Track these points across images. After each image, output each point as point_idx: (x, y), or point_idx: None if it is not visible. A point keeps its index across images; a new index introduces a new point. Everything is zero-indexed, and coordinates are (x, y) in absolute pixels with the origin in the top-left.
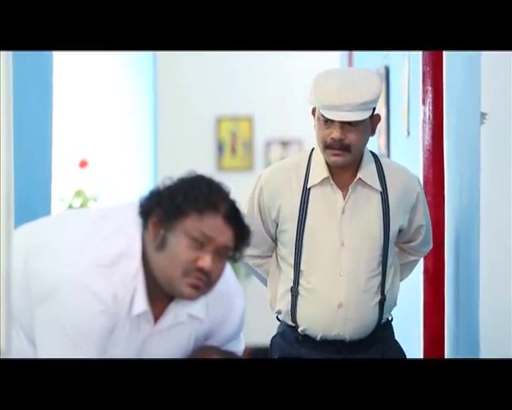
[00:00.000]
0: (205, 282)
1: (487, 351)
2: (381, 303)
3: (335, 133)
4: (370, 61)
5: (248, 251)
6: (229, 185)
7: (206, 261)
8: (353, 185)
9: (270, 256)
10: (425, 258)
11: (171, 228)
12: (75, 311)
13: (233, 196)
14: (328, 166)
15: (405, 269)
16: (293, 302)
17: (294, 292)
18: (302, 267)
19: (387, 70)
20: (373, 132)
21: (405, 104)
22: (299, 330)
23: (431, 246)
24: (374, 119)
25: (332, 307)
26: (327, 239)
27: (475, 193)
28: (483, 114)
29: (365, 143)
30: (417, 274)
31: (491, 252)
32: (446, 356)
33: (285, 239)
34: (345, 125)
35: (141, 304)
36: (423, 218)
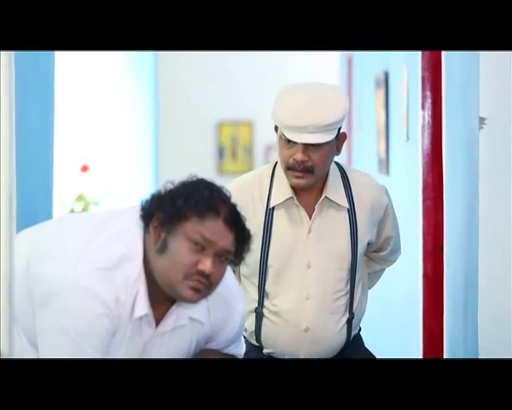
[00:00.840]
0: (205, 285)
1: (486, 355)
2: (350, 322)
3: (298, 155)
4: (370, 61)
5: None
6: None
7: (206, 265)
8: (319, 204)
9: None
10: (424, 262)
11: (172, 231)
12: (77, 314)
13: (233, 200)
14: None
15: (373, 277)
16: (258, 324)
17: (259, 313)
18: (267, 289)
19: (387, 75)
20: (338, 152)
21: (404, 109)
22: (264, 351)
23: (399, 254)
24: (340, 137)
25: (298, 331)
26: (292, 261)
27: (474, 197)
28: (482, 119)
29: (330, 164)
30: (416, 278)
31: (490, 256)
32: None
33: (248, 260)
34: (308, 146)
35: (142, 307)
36: (392, 229)
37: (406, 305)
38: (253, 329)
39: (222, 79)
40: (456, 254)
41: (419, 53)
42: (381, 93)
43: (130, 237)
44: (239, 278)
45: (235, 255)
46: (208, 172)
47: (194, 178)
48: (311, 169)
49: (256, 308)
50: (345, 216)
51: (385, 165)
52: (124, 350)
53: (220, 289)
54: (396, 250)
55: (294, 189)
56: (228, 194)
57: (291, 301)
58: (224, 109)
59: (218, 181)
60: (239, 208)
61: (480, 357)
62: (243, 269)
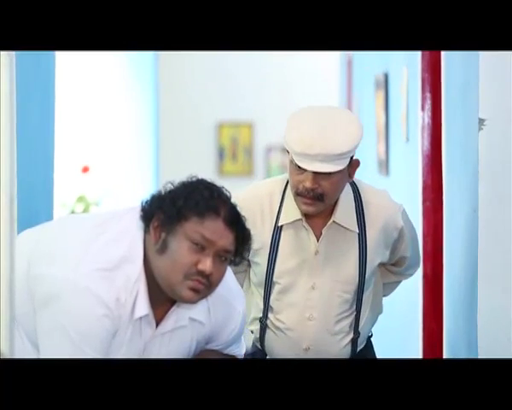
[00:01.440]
0: (205, 285)
1: (485, 355)
2: (354, 341)
3: (308, 183)
4: (370, 62)
5: None
6: (230, 191)
7: (206, 264)
8: (327, 228)
9: (244, 271)
10: (424, 263)
11: (172, 232)
12: (78, 314)
13: (233, 200)
14: None
15: (389, 288)
16: (262, 332)
17: (263, 324)
18: (271, 303)
19: (387, 76)
20: (351, 178)
21: (404, 110)
22: (268, 357)
23: (417, 269)
24: (352, 164)
25: (299, 349)
26: (298, 281)
27: (474, 198)
28: (481, 120)
29: (341, 191)
30: (416, 279)
31: (490, 257)
32: None
33: (256, 270)
34: (319, 174)
35: (143, 307)
36: (407, 250)
37: (406, 305)
38: (258, 335)
39: (222, 79)
40: (455, 254)
41: (419, 54)
42: (381, 94)
43: (131, 237)
44: (248, 284)
45: (236, 255)
46: (208, 173)
47: (194, 179)
48: (321, 197)
49: (261, 318)
50: (354, 240)
51: (385, 166)
52: (124, 351)
53: (221, 290)
54: (412, 266)
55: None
56: (228, 194)
57: (293, 320)
58: (225, 110)
59: (219, 182)
60: (239, 209)
61: (479, 357)
62: (253, 277)
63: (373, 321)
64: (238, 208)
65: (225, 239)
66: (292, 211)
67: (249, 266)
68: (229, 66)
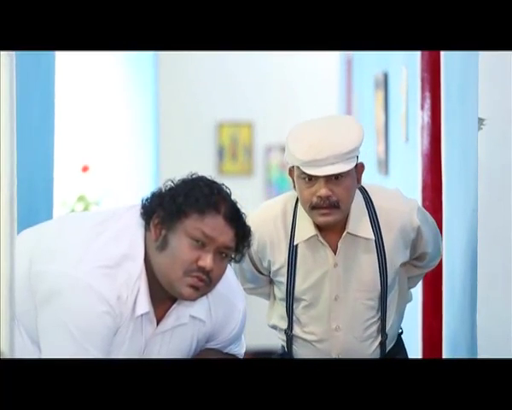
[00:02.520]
0: (205, 282)
1: (485, 354)
2: (383, 343)
3: (321, 191)
4: (369, 62)
5: (244, 285)
6: (230, 190)
7: (207, 261)
8: (343, 240)
9: (267, 285)
10: None
11: (172, 229)
12: (79, 312)
13: (233, 197)
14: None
15: (412, 281)
16: (289, 344)
17: (289, 335)
18: (297, 317)
19: (386, 76)
20: (358, 183)
21: (404, 110)
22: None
23: (438, 260)
24: (358, 168)
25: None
26: (320, 295)
27: (473, 198)
28: (481, 120)
29: (353, 196)
30: None
31: (490, 256)
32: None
33: (278, 287)
34: (330, 180)
35: (144, 305)
36: (428, 246)
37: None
38: (285, 345)
39: (222, 79)
40: (455, 254)
41: (418, 54)
42: (381, 94)
43: (132, 235)
44: (273, 292)
45: (236, 252)
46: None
47: (195, 176)
48: (337, 204)
49: (286, 330)
50: (371, 247)
51: (384, 165)
52: (125, 348)
53: (221, 288)
54: (435, 258)
55: (318, 225)
56: (228, 191)
57: (320, 332)
58: (224, 110)
59: (218, 181)
60: (239, 205)
61: (478, 357)
62: (277, 292)
63: (400, 319)
64: (238, 205)
65: (225, 236)
66: (306, 228)
67: (271, 283)
68: (229, 65)
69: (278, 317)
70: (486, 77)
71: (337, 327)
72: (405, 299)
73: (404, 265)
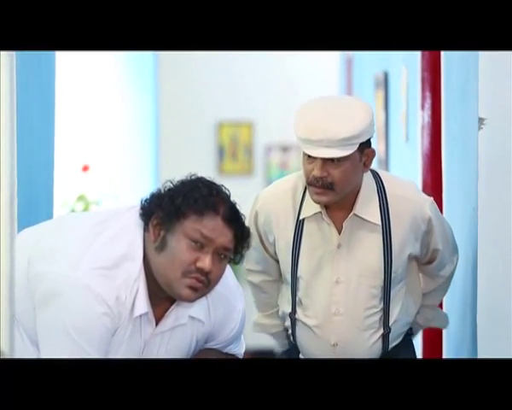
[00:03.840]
0: (204, 283)
1: (485, 355)
2: (385, 336)
3: (316, 170)
4: (369, 62)
5: (252, 266)
6: (230, 189)
7: (205, 262)
8: (348, 221)
9: (275, 277)
10: None
11: (171, 230)
12: (78, 313)
13: (233, 198)
14: None
15: (432, 297)
16: (293, 328)
17: (293, 319)
18: (299, 299)
19: (386, 75)
20: (366, 168)
21: (404, 109)
22: (300, 355)
23: (451, 269)
24: (365, 153)
25: (327, 345)
26: (321, 275)
27: (474, 197)
28: (481, 120)
29: (354, 180)
30: None
31: (489, 256)
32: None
33: (283, 267)
34: (327, 161)
35: (142, 305)
36: (439, 242)
37: None
38: (290, 331)
39: (222, 79)
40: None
41: (418, 53)
42: (381, 94)
43: (131, 236)
44: (282, 282)
45: (235, 253)
46: (208, 173)
47: (194, 177)
48: (331, 186)
49: (290, 313)
50: (378, 233)
51: (384, 165)
52: (124, 349)
53: (220, 289)
54: (447, 263)
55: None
56: (227, 192)
57: (319, 315)
58: (225, 109)
59: (218, 181)
60: (238, 207)
61: (478, 357)
62: (283, 273)
63: (407, 318)
64: (237, 206)
65: (224, 237)
66: (313, 205)
67: (277, 261)
68: (229, 65)
69: (285, 302)
70: (486, 77)
71: (337, 311)
72: (416, 299)
73: (413, 259)
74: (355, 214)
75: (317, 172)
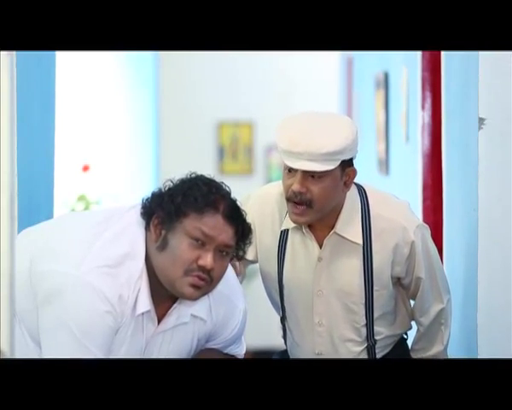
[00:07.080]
0: (206, 281)
1: (485, 354)
2: (371, 348)
3: (295, 185)
4: (370, 62)
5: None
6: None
7: (207, 260)
8: (329, 239)
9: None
10: None
11: (172, 229)
12: (81, 311)
13: (233, 195)
14: None
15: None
16: (284, 333)
17: (283, 324)
18: (285, 305)
19: (386, 75)
20: (346, 188)
21: (404, 109)
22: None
23: (431, 316)
24: (347, 172)
25: (311, 354)
26: (303, 286)
27: (474, 198)
28: (481, 120)
29: (333, 199)
30: None
31: (490, 256)
32: None
33: (269, 274)
34: (307, 177)
35: (144, 303)
36: (422, 270)
37: None
38: (282, 335)
39: (222, 78)
40: (455, 254)
41: (419, 53)
42: (381, 93)
43: (132, 235)
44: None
45: (237, 249)
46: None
47: (193, 175)
48: (309, 203)
49: (281, 318)
50: (358, 252)
51: (384, 165)
52: (126, 347)
53: (222, 288)
54: (426, 304)
55: None
56: (227, 189)
57: (302, 325)
58: (225, 109)
59: (219, 180)
60: (239, 203)
61: (479, 357)
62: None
63: (399, 331)
64: (237, 203)
65: (225, 234)
66: None
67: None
68: (229, 65)
69: (276, 308)
70: (486, 77)
71: (320, 322)
72: (403, 323)
73: (397, 284)
74: (336, 233)
75: (296, 187)
